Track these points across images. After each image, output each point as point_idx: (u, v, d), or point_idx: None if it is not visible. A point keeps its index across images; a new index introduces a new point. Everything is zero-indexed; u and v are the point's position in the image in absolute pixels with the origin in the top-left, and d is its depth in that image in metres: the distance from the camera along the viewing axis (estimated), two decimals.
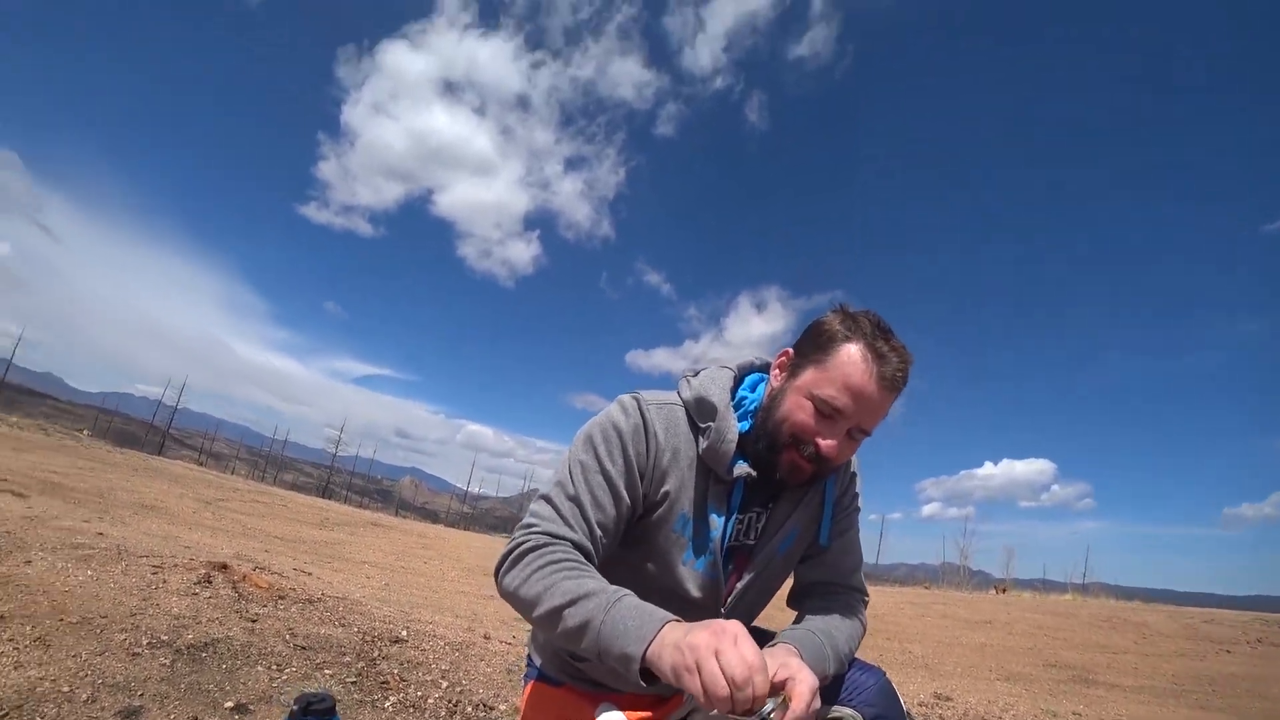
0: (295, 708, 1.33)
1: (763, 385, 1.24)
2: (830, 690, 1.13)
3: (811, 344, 1.14)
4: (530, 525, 1.10)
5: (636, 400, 1.18)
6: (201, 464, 33.90)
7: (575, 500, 1.10)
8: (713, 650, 0.80)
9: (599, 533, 1.10)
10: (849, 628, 1.23)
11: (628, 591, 0.95)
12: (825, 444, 1.09)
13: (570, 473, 1.13)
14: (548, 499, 1.12)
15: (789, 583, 1.41)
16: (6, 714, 1.71)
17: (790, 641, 1.11)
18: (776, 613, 1.38)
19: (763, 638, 1.38)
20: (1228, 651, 7.91)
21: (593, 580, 0.98)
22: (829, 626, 1.19)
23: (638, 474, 1.14)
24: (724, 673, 0.79)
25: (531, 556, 1.04)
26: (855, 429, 1.11)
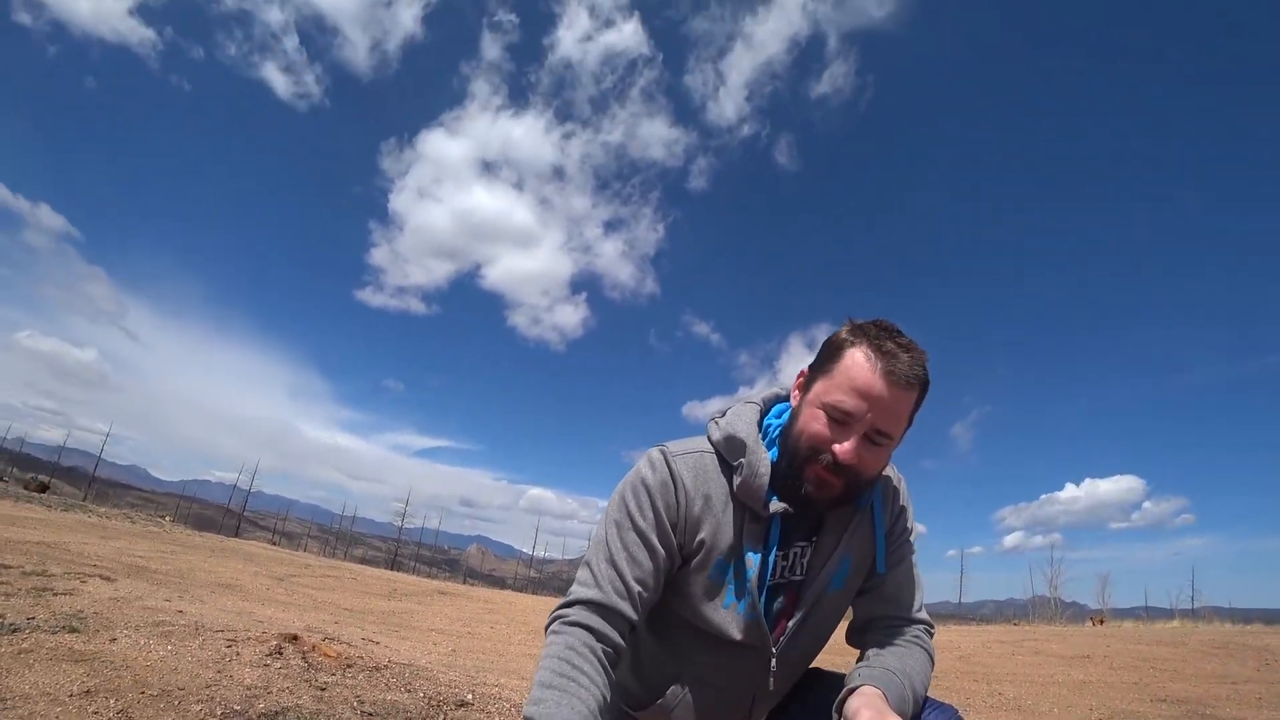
0: None
1: (788, 411, 1.24)
2: None
3: (821, 358, 1.15)
4: (571, 594, 1.15)
5: (663, 453, 1.19)
6: (275, 543, 34.91)
7: (612, 562, 1.13)
8: None
9: (637, 588, 1.12)
10: (922, 665, 1.18)
11: None
12: (841, 449, 1.07)
13: (606, 535, 1.16)
14: (588, 564, 1.16)
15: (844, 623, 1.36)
16: None
17: (872, 683, 1.06)
18: (834, 656, 1.32)
19: (821, 680, 1.32)
20: None
21: (551, 697, 0.97)
22: (905, 666, 1.14)
23: (669, 526, 1.15)
24: None
25: (549, 639, 1.09)
26: (873, 431, 1.08)
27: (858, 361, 1.07)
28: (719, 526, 1.16)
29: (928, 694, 1.17)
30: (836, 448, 1.07)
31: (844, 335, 1.12)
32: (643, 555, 1.13)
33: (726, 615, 1.18)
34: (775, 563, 1.18)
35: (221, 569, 9.31)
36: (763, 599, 1.18)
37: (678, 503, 1.15)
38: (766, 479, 1.14)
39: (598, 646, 1.07)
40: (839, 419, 1.07)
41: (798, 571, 1.21)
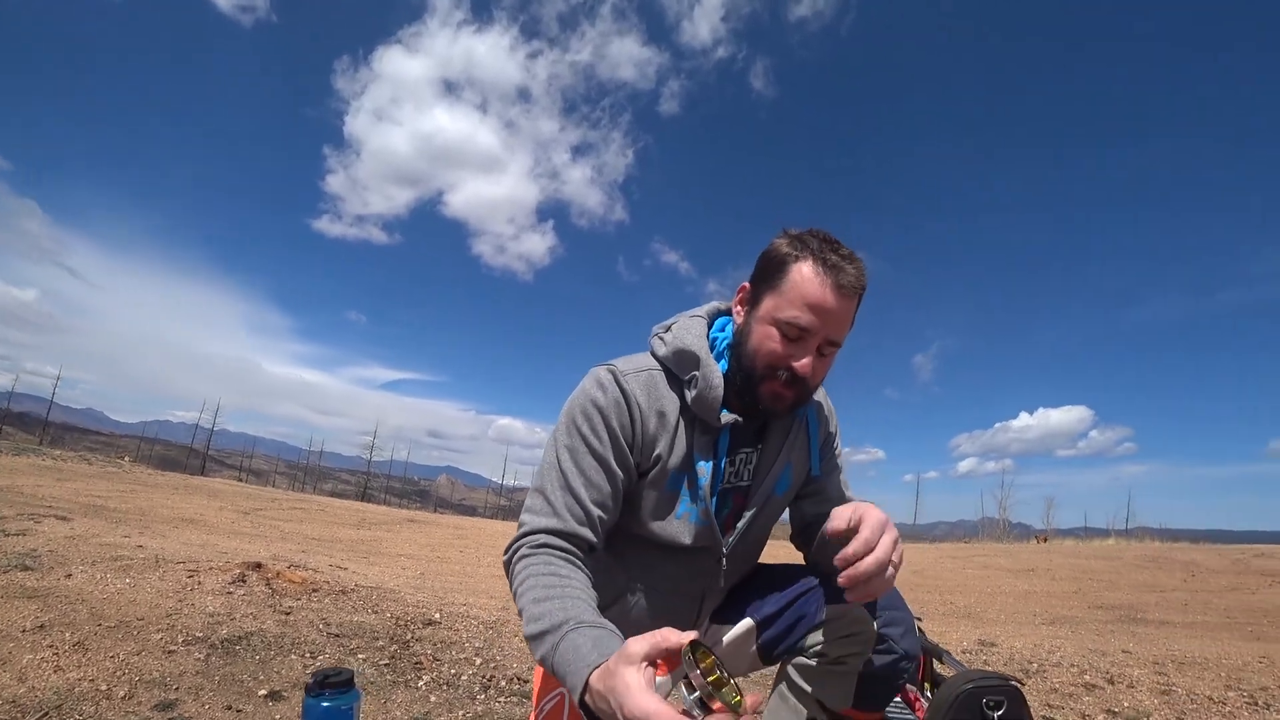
0: (312, 681, 1.32)
1: (730, 325, 1.24)
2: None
3: (764, 271, 1.14)
4: (523, 524, 1.10)
5: (611, 372, 1.17)
6: (242, 480, 34.71)
7: (568, 488, 1.10)
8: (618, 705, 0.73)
9: (597, 512, 1.10)
10: None
11: (574, 626, 0.90)
12: (800, 364, 1.09)
13: (559, 460, 1.12)
14: (541, 491, 1.12)
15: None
16: (46, 714, 1.75)
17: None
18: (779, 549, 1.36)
19: (765, 571, 1.37)
20: None
21: (554, 607, 0.94)
22: None
23: (625, 447, 1.14)
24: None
25: (519, 569, 1.04)
26: (824, 343, 1.11)
27: (807, 276, 1.07)
28: (673, 441, 1.17)
29: None
30: (795, 364, 1.09)
31: (786, 248, 1.11)
32: (600, 479, 1.11)
33: (679, 525, 1.20)
34: (724, 470, 1.21)
35: (184, 505, 9.23)
36: (714, 503, 1.21)
37: (633, 421, 1.14)
38: (721, 391, 1.15)
39: (570, 558, 1.06)
40: (794, 336, 1.09)
41: (744, 477, 1.25)
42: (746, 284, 1.19)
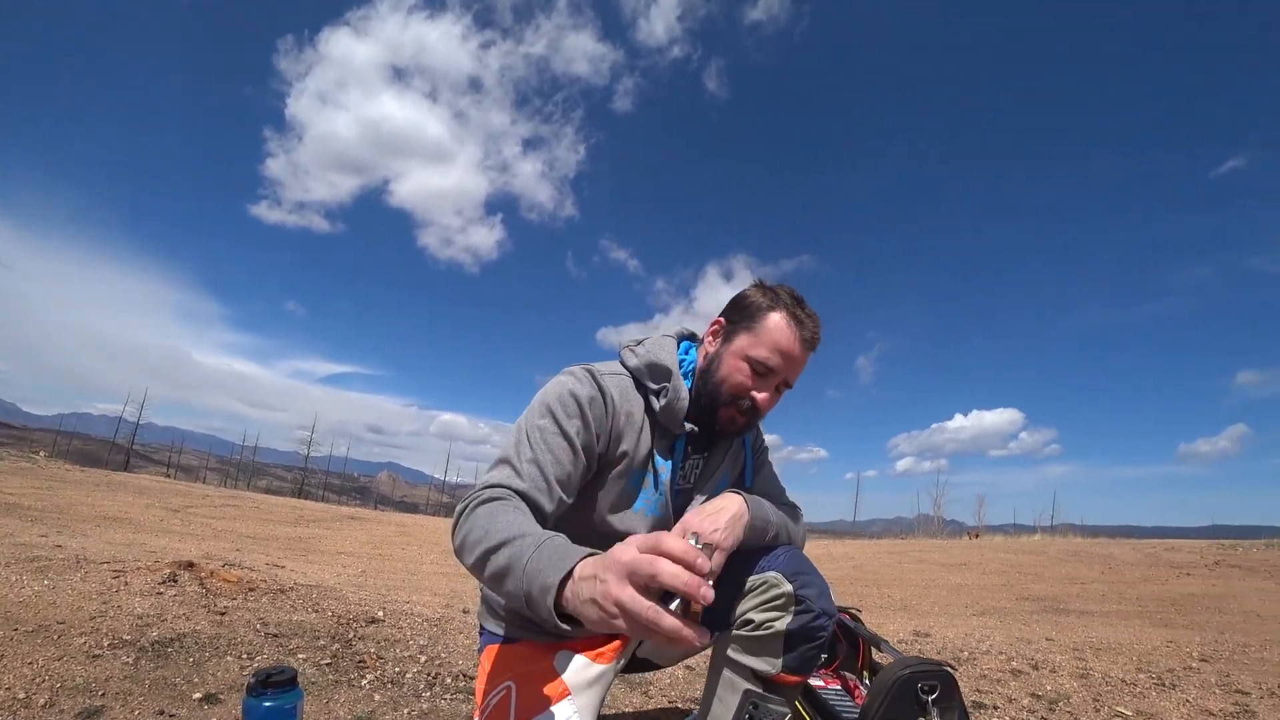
0: (254, 680, 1.29)
1: (694, 350, 1.44)
2: (747, 565, 1.28)
3: (740, 314, 1.36)
4: (488, 480, 1.14)
5: (589, 371, 1.31)
6: (170, 476, 33.14)
7: (535, 461, 1.16)
8: (624, 573, 0.76)
9: (559, 491, 1.18)
10: (791, 517, 1.42)
11: (560, 535, 0.94)
12: (760, 397, 1.32)
13: (528, 437, 1.20)
14: (506, 461, 1.17)
15: None
16: None
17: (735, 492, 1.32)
18: None
19: None
20: (1187, 575, 8.37)
21: (530, 525, 0.99)
22: (774, 507, 1.36)
23: (594, 437, 1.26)
24: (671, 557, 0.75)
25: (479, 511, 1.06)
26: (782, 383, 1.35)
27: (779, 325, 1.31)
28: (638, 439, 1.32)
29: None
30: (756, 395, 1.31)
31: (761, 299, 1.34)
32: (566, 459, 1.20)
33: (635, 518, 1.33)
34: (678, 472, 1.38)
35: (107, 503, 8.77)
36: (671, 497, 1.37)
37: (607, 414, 1.28)
38: (686, 403, 1.33)
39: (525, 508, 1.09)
40: (761, 372, 1.31)
41: (690, 480, 1.43)
42: (721, 319, 1.40)
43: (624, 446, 1.30)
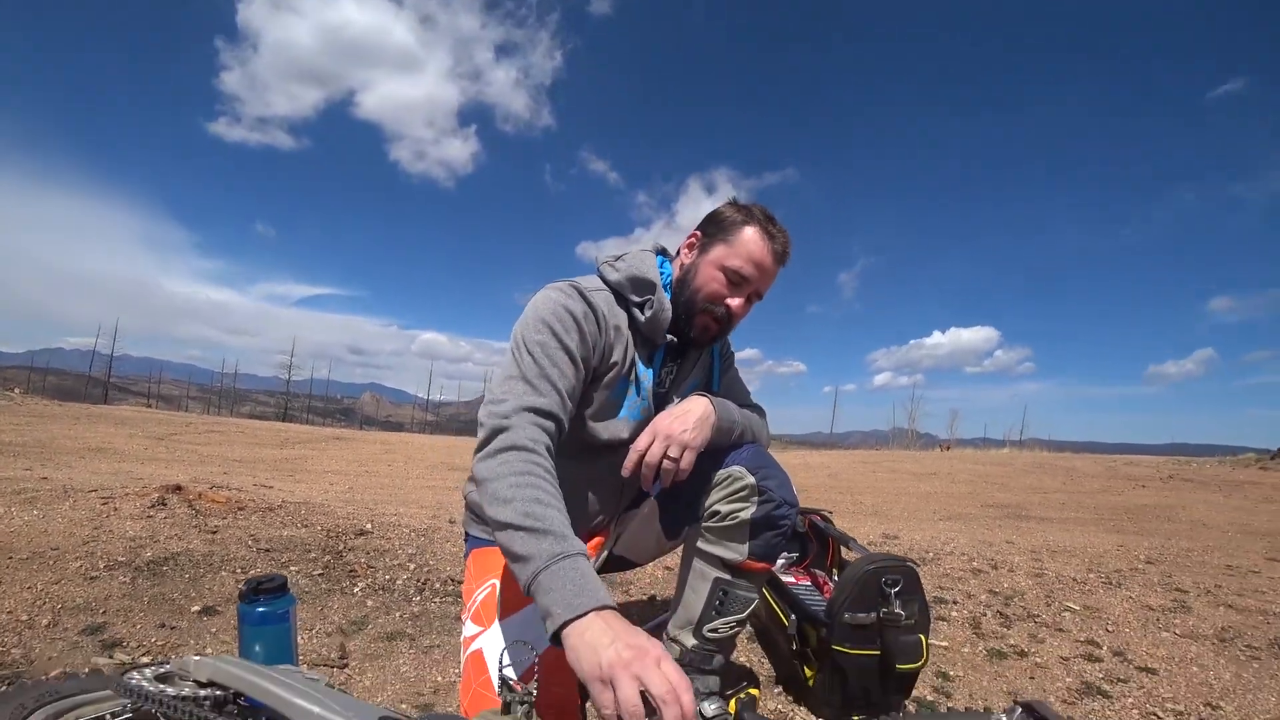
0: (245, 588, 1.34)
1: (668, 264, 1.50)
2: (715, 462, 1.36)
3: (716, 227, 1.42)
4: (503, 400, 1.15)
5: (575, 287, 1.34)
6: (151, 406, 32.97)
7: (545, 376, 1.20)
8: (631, 673, 0.78)
9: (568, 402, 1.23)
10: (757, 417, 1.52)
11: (582, 550, 0.95)
12: (734, 304, 1.39)
13: (531, 353, 1.22)
14: (519, 378, 1.19)
15: None
16: None
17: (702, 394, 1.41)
18: None
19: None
20: (1143, 487, 8.83)
21: (557, 515, 0.99)
22: (739, 408, 1.46)
23: (590, 349, 1.31)
24: (649, 689, 0.77)
25: (513, 457, 1.06)
26: (754, 294, 1.42)
27: (753, 238, 1.37)
28: (626, 350, 1.38)
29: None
30: (730, 302, 1.38)
31: (736, 214, 1.40)
32: (570, 371, 1.25)
33: (619, 423, 1.41)
34: (655, 379, 1.45)
35: (89, 435, 8.76)
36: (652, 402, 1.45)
37: (599, 328, 1.33)
38: (669, 314, 1.39)
39: (550, 470, 1.08)
40: (736, 281, 1.38)
41: (665, 385, 1.50)
42: (698, 232, 1.45)
43: (614, 357, 1.36)
